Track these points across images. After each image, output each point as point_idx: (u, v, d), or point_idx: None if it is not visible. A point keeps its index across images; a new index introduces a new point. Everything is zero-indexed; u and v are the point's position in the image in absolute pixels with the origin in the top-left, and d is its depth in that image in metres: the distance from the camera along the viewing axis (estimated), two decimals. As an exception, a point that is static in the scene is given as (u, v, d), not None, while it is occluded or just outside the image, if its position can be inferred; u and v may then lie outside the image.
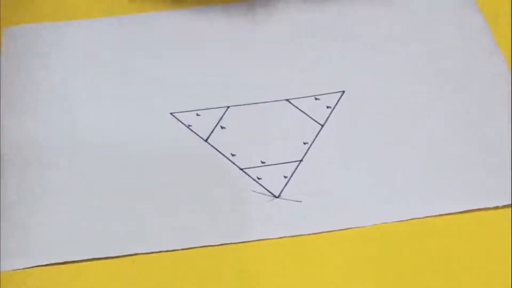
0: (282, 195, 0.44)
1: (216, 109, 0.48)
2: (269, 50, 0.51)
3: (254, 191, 0.44)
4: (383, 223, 0.43)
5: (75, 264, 0.41)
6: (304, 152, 0.46)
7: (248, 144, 0.46)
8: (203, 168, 0.45)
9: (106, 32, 0.53)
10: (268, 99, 0.48)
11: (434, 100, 0.48)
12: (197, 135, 0.47)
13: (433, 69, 0.50)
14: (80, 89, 0.49)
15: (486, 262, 0.41)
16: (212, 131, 0.47)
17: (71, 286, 0.41)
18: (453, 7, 0.53)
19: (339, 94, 0.49)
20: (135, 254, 0.41)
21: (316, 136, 0.47)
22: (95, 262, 0.41)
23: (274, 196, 0.44)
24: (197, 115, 0.48)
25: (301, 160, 0.45)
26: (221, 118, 0.48)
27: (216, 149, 0.46)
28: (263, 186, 0.44)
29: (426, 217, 0.43)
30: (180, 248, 0.42)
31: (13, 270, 0.41)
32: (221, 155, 0.46)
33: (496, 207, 0.43)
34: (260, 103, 0.48)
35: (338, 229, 0.42)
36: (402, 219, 0.43)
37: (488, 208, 0.43)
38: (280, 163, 0.45)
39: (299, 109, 0.48)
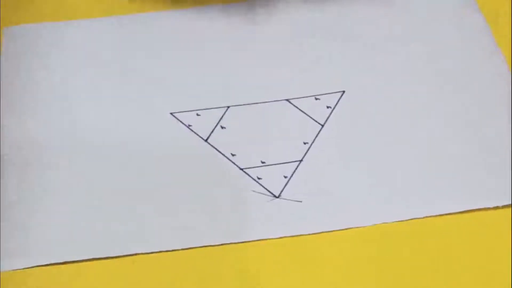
0: (282, 195, 0.44)
1: (216, 109, 0.48)
2: (269, 50, 0.51)
3: (254, 191, 0.44)
4: (383, 223, 0.42)
5: (75, 264, 0.41)
6: (304, 152, 0.46)
7: (248, 144, 0.46)
8: (203, 168, 0.45)
9: (106, 32, 0.53)
10: (268, 99, 0.48)
11: (434, 100, 0.48)
12: (197, 135, 0.47)
13: (433, 69, 0.50)
14: (80, 89, 0.49)
15: (486, 262, 0.41)
16: (212, 131, 0.47)
17: (71, 286, 0.41)
18: (453, 7, 0.53)
19: (339, 94, 0.49)
20: (135, 254, 0.41)
21: (316, 136, 0.47)
22: (95, 262, 0.41)
23: (274, 196, 0.44)
24: (197, 115, 0.48)
25: (301, 160, 0.45)
26: (221, 118, 0.48)
27: (216, 149, 0.46)
28: (263, 186, 0.44)
29: (426, 217, 0.43)
30: (180, 248, 0.42)
31: (13, 270, 0.41)
32: (221, 155, 0.46)
33: (496, 207, 0.43)
34: (260, 103, 0.48)
35: (338, 229, 0.42)
36: (402, 219, 0.43)
37: (488, 208, 0.43)
38: (280, 163, 0.45)
39: (299, 109, 0.48)
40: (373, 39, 0.52)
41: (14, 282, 0.40)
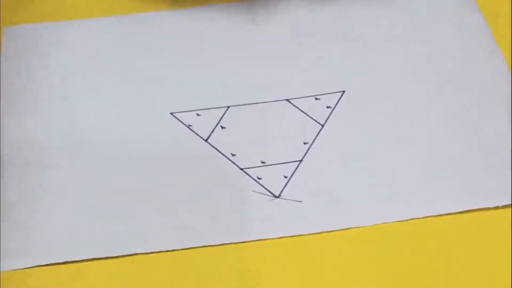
0: (282, 195, 0.44)
1: (216, 109, 0.48)
2: (269, 50, 0.51)
3: (254, 191, 0.44)
4: (383, 223, 0.42)
5: (75, 264, 0.41)
6: (304, 152, 0.46)
7: (248, 144, 0.46)
8: (203, 168, 0.45)
9: (106, 32, 0.53)
10: (268, 99, 0.48)
11: (434, 100, 0.48)
12: (197, 135, 0.47)
13: (433, 69, 0.50)
14: (80, 89, 0.49)
15: (486, 262, 0.41)
16: (212, 131, 0.47)
17: (71, 286, 0.41)
18: (453, 7, 0.53)
19: (339, 94, 0.49)
20: (135, 254, 0.41)
21: (316, 136, 0.47)
22: (95, 262, 0.41)
23: (274, 196, 0.44)
24: (197, 115, 0.48)
25: (301, 160, 0.45)
26: (221, 118, 0.48)
27: (216, 149, 0.46)
28: (263, 186, 0.44)
29: (426, 217, 0.43)
30: (180, 248, 0.42)
31: (13, 270, 0.41)
32: (221, 155, 0.46)
33: (496, 207, 0.43)
34: (260, 103, 0.48)
35: (338, 229, 0.42)
36: (402, 219, 0.43)
37: (488, 208, 0.43)
38: (280, 163, 0.45)
39: (299, 109, 0.48)
40: (373, 39, 0.52)
41: (14, 282, 0.40)
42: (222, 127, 0.47)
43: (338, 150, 0.46)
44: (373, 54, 0.51)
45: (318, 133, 0.47)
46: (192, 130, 0.47)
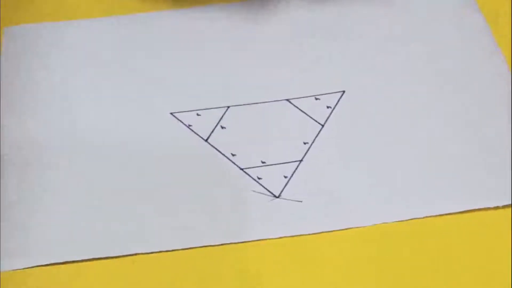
0: (282, 195, 0.44)
1: (216, 109, 0.48)
2: (269, 50, 0.51)
3: (254, 191, 0.44)
4: (383, 223, 0.43)
5: (75, 264, 0.41)
6: (304, 152, 0.46)
7: (248, 144, 0.46)
8: (203, 168, 0.45)
9: (106, 32, 0.53)
10: (268, 99, 0.48)
11: (434, 100, 0.48)
12: (197, 135, 0.47)
13: (433, 69, 0.50)
14: (80, 89, 0.49)
15: (486, 262, 0.41)
16: (212, 131, 0.47)
17: (71, 286, 0.41)
18: (453, 7, 0.53)
19: (339, 94, 0.49)
20: (135, 254, 0.41)
21: (316, 136, 0.47)
22: (95, 262, 0.41)
23: (274, 196, 0.44)
24: (197, 115, 0.48)
25: (301, 160, 0.45)
26: (221, 118, 0.48)
27: (216, 149, 0.46)
28: (263, 186, 0.44)
29: (426, 217, 0.43)
30: (180, 248, 0.42)
31: (13, 270, 0.41)
32: (221, 155, 0.46)
33: (496, 207, 0.43)
34: (260, 103, 0.48)
35: (338, 229, 0.42)
36: (402, 219, 0.43)
37: (488, 208, 0.43)
38: (280, 163, 0.45)
39: (299, 109, 0.48)
40: (373, 39, 0.52)
41: (14, 282, 0.40)
42: (222, 127, 0.47)
43: (338, 150, 0.46)
44: (373, 54, 0.51)
45: (318, 133, 0.47)
46: (192, 130, 0.47)
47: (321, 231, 0.42)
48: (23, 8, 0.54)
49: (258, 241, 0.42)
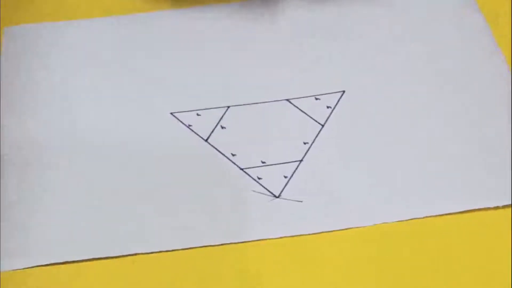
0: (282, 195, 0.44)
1: (216, 109, 0.48)
2: (269, 50, 0.51)
3: (254, 191, 0.44)
4: (383, 223, 0.42)
5: (75, 264, 0.41)
6: (304, 152, 0.46)
7: (248, 144, 0.46)
8: (203, 168, 0.45)
9: (106, 32, 0.53)
10: (268, 99, 0.48)
11: (434, 100, 0.48)
12: (197, 135, 0.47)
13: (433, 69, 0.50)
14: (80, 89, 0.49)
15: (486, 262, 0.41)
16: (212, 131, 0.47)
17: (71, 286, 0.41)
18: (453, 7, 0.53)
19: (339, 94, 0.49)
20: (135, 254, 0.41)
21: (316, 136, 0.47)
22: (95, 262, 0.41)
23: (274, 196, 0.44)
24: (197, 115, 0.48)
25: (301, 160, 0.45)
26: (221, 118, 0.48)
27: (216, 149, 0.46)
28: (263, 186, 0.44)
29: (426, 217, 0.43)
30: (180, 248, 0.42)
31: (13, 270, 0.41)
32: (221, 155, 0.46)
33: (496, 207, 0.43)
34: (260, 103, 0.48)
35: (338, 229, 0.42)
36: (402, 219, 0.43)
37: (488, 208, 0.43)
38: (280, 163, 0.45)
39: (299, 109, 0.48)
40: (373, 39, 0.52)
41: (14, 282, 0.40)
42: (222, 127, 0.47)
43: (338, 150, 0.46)
44: (373, 54, 0.51)
45: (318, 133, 0.47)
46: (192, 130, 0.47)
47: (321, 231, 0.42)
48: (23, 8, 0.54)
49: (258, 241, 0.42)
